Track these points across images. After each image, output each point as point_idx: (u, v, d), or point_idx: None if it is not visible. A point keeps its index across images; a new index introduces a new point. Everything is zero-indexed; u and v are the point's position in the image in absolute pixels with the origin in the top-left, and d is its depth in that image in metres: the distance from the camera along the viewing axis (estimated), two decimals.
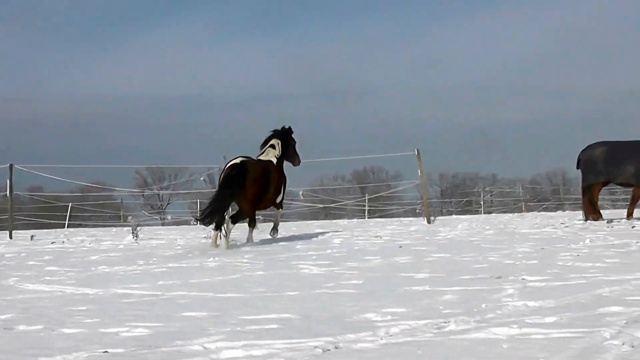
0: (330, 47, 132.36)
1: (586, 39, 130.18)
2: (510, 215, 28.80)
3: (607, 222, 17.58)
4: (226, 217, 13.97)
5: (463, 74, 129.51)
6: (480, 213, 46.62)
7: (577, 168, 20.01)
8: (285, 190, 15.47)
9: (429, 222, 21.27)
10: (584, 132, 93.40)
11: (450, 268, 8.86)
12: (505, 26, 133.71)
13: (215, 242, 13.95)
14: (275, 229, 15.33)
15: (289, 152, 15.37)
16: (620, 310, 5.65)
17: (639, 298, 6.20)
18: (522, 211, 43.99)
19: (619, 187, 31.61)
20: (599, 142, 19.66)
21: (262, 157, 14.93)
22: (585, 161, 19.49)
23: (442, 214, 47.96)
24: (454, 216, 33.15)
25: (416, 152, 23.00)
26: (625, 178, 19.15)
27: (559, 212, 31.78)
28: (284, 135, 15.34)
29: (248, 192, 13.97)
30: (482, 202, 50.51)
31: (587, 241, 11.89)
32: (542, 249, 10.97)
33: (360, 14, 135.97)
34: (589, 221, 18.61)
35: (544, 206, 55.07)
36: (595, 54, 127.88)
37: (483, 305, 6.06)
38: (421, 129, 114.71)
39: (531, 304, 6.12)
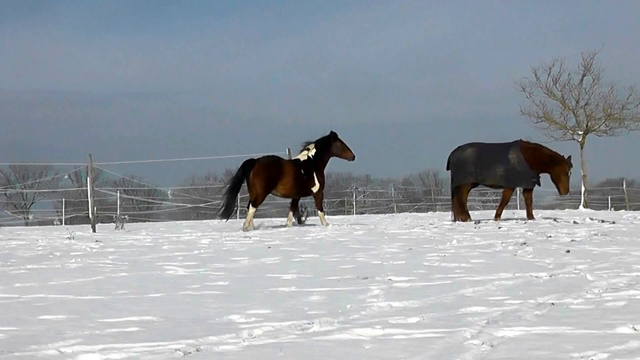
0: (202, 43, 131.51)
1: (460, 42, 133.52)
2: (382, 215, 29.27)
3: (475, 223, 18.07)
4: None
5: (338, 73, 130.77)
6: (353, 213, 47.21)
7: (447, 169, 20.45)
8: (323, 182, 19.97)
9: (299, 222, 21.39)
10: (457, 133, 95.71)
11: (317, 269, 8.95)
12: (381, 25, 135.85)
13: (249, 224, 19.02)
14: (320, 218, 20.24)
15: (334, 152, 19.82)
16: (482, 310, 5.83)
17: (501, 298, 6.41)
18: (394, 212, 44.75)
19: (489, 188, 32.59)
20: (469, 144, 20.06)
21: (297, 156, 19.91)
22: (455, 162, 19.86)
23: (316, 215, 48.40)
24: (326, 217, 33.41)
25: (287, 152, 23.11)
26: (494, 180, 19.61)
27: (430, 213, 32.52)
28: (324, 140, 19.79)
29: (254, 183, 18.86)
30: (354, 203, 51.10)
31: (454, 242, 12.21)
32: (410, 249, 11.20)
33: (229, 11, 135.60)
34: (457, 222, 19.09)
35: (416, 207, 56.23)
36: (468, 58, 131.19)
37: (348, 306, 6.15)
38: (297, 127, 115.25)
39: (395, 304, 6.24)
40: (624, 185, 44.63)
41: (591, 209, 33.70)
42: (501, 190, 20.72)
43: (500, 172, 19.37)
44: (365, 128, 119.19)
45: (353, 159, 20.09)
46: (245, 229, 18.68)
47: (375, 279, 7.85)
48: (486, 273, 8.10)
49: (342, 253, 10.79)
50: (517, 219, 20.17)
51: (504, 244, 11.63)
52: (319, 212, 20.33)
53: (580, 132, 35.88)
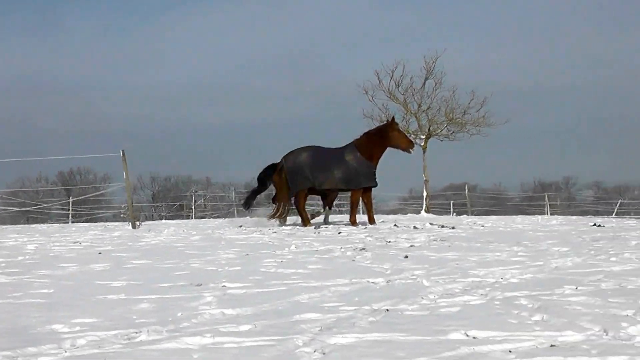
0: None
1: (309, 44, 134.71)
2: (221, 220, 29.17)
3: (315, 228, 18.24)
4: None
5: (179, 73, 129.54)
6: (192, 218, 46.89)
7: (273, 173, 20.41)
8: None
9: (134, 227, 21.07)
10: (305, 135, 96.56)
11: (149, 275, 8.83)
12: (229, 28, 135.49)
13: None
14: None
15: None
16: (316, 317, 5.90)
17: (336, 304, 6.51)
18: (234, 216, 44.72)
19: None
20: (303, 148, 20.05)
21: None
22: (291, 168, 19.79)
23: (152, 219, 47.73)
24: (163, 221, 33.07)
25: (121, 154, 22.67)
26: (332, 183, 19.67)
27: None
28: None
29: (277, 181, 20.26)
30: (193, 207, 50.76)
31: (292, 247, 12.30)
32: (247, 255, 11.21)
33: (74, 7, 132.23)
34: (297, 226, 19.20)
35: (258, 211, 56.22)
36: (314, 60, 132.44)
37: (179, 314, 6.10)
38: (137, 128, 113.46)
39: (228, 312, 6.24)
40: (467, 190, 46.09)
41: (433, 214, 34.62)
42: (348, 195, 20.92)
43: (338, 175, 19.49)
44: (211, 129, 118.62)
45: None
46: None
47: (209, 286, 7.82)
48: (323, 279, 8.20)
49: (176, 259, 10.69)
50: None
51: (342, 250, 11.80)
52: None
53: (422, 137, 36.71)
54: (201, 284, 7.95)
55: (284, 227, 19.03)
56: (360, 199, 20.06)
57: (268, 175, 20.51)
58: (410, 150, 20.33)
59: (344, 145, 20.11)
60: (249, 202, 21.28)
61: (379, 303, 6.51)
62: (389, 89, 37.34)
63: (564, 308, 6.15)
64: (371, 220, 19.71)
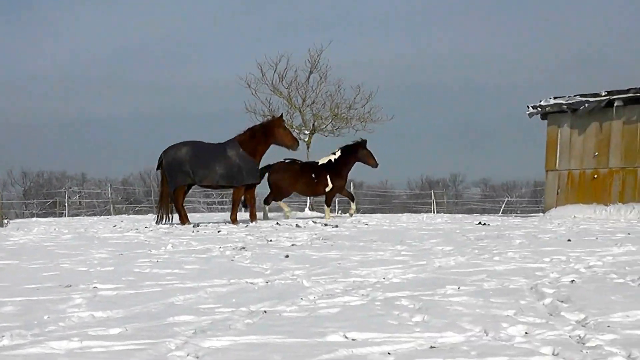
0: None
1: (182, 37, 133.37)
2: (96, 218, 28.72)
3: (193, 226, 18.14)
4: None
5: (48, 64, 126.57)
6: (65, 215, 45.98)
7: (157, 169, 20.26)
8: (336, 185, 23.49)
9: (1, 225, 20.55)
10: (182, 129, 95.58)
11: (16, 276, 8.62)
12: (101, 17, 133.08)
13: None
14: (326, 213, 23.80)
15: (360, 159, 23.66)
16: (191, 319, 5.86)
17: (212, 306, 6.47)
18: (110, 214, 44.04)
19: (214, 190, 32.72)
20: (184, 142, 19.90)
21: (322, 159, 23.72)
22: (170, 163, 19.63)
23: (23, 217, 46.60)
24: (34, 219, 32.34)
25: None
26: (212, 180, 19.60)
27: (150, 215, 32.21)
28: (350, 147, 23.67)
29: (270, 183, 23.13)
30: (67, 204, 49.79)
31: (169, 246, 12.20)
32: (120, 254, 11.06)
33: None
34: (168, 224, 19.02)
35: (137, 209, 55.62)
36: (193, 52, 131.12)
37: (45, 317, 5.97)
38: (5, 120, 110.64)
39: (98, 314, 6.13)
40: (352, 188, 46.48)
41: (318, 212, 34.82)
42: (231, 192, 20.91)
43: (220, 171, 19.45)
44: (87, 123, 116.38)
45: (376, 167, 23.69)
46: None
47: (79, 287, 7.68)
48: (199, 279, 8.15)
49: (45, 259, 10.46)
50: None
51: (221, 249, 11.77)
52: (325, 207, 23.83)
53: (307, 132, 36.78)
54: (71, 285, 7.80)
55: (161, 226, 18.84)
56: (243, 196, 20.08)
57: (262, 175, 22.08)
58: (295, 148, 20.44)
59: (226, 140, 20.04)
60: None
61: (257, 304, 6.51)
62: (272, 82, 37.31)
63: (445, 308, 6.27)
64: (253, 218, 19.72)
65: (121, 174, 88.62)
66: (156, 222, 19.70)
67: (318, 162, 23.74)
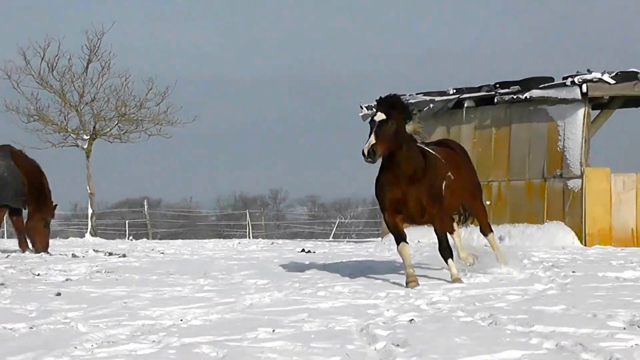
0: None
1: None
2: None
3: None
4: None
5: None
6: None
7: None
8: None
9: None
10: None
11: None
12: None
13: None
14: None
15: None
16: None
17: None
18: None
19: None
20: None
21: None
22: None
23: None
24: None
25: None
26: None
27: None
28: None
29: None
30: None
31: None
32: None
33: None
34: None
35: None
36: None
37: None
38: None
39: None
40: (146, 207, 45.96)
41: (101, 237, 34.41)
42: None
43: (10, 193, 18.92)
44: None
45: None
46: None
47: None
48: None
49: None
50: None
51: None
52: None
53: (86, 137, 35.98)
54: None
55: None
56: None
57: None
58: None
59: None
60: None
61: (17, 356, 6.41)
62: (39, 73, 36.42)
63: (256, 357, 6.33)
64: (23, 246, 19.24)
65: None
66: None
67: None
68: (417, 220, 11.65)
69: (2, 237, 26.43)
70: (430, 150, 11.61)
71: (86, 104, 36.62)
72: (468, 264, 12.40)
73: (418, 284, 10.90)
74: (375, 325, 7.86)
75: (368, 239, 30.16)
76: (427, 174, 11.21)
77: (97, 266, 14.68)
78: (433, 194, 11.25)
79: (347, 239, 36.66)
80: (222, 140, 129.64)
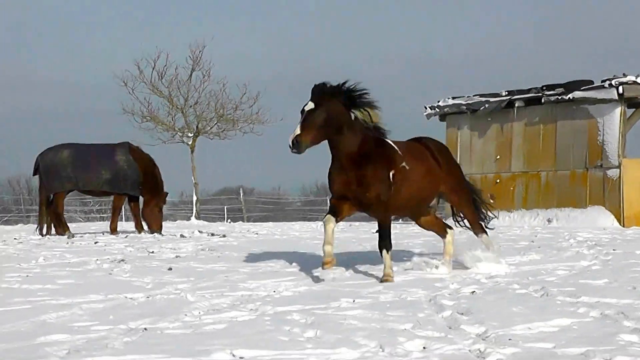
0: None
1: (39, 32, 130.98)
2: None
3: (68, 237, 17.85)
4: None
5: None
6: None
7: (35, 174, 19.90)
8: None
9: None
10: (45, 132, 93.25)
11: None
12: None
13: None
14: None
15: None
16: (64, 338, 5.79)
17: (87, 324, 6.40)
18: None
19: (91, 197, 32.25)
20: (64, 144, 19.59)
21: None
22: (48, 166, 19.30)
23: None
24: None
25: None
26: (97, 185, 19.37)
27: (20, 226, 31.58)
28: None
29: None
30: None
31: (41, 259, 11.99)
32: None
33: None
34: (47, 236, 18.70)
35: (5, 219, 54.48)
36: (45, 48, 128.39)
37: None
38: None
39: None
40: (242, 195, 46.34)
41: (204, 220, 34.63)
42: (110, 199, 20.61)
43: (105, 176, 19.22)
44: None
45: None
46: None
47: None
48: (74, 295, 8.05)
49: None
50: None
51: (98, 262, 11.62)
52: None
53: (190, 135, 36.39)
54: None
55: (31, 237, 18.49)
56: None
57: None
58: None
59: (115, 143, 19.91)
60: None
61: (137, 321, 6.46)
62: (151, 80, 36.82)
63: (339, 323, 6.32)
64: (139, 228, 19.54)
65: None
66: (40, 233, 19.25)
67: None
68: (365, 207, 9.79)
69: (122, 221, 26.79)
70: (388, 141, 9.78)
71: (190, 106, 36.98)
72: (435, 267, 10.19)
73: (333, 265, 9.18)
74: (442, 296, 7.81)
75: None
76: (373, 161, 9.46)
77: (201, 245, 14.77)
78: (375, 180, 9.40)
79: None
80: None
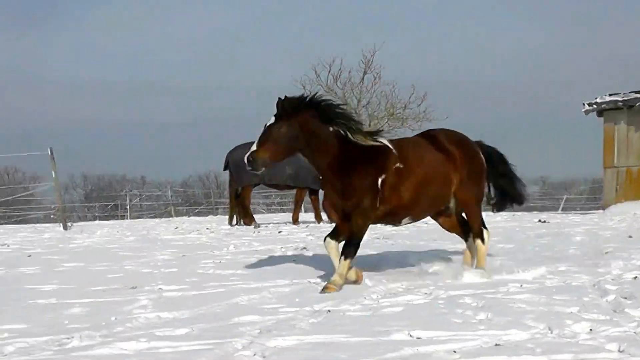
0: None
1: (231, 41, 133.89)
2: (158, 220, 28.99)
3: (255, 227, 18.22)
4: None
5: (97, 69, 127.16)
6: (127, 218, 46.51)
7: (225, 169, 20.44)
8: None
9: (65, 228, 20.82)
10: (233, 132, 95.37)
11: (81, 278, 8.74)
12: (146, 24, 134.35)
13: None
14: None
15: None
16: (255, 319, 5.90)
17: (275, 306, 6.51)
18: (171, 216, 44.48)
19: (273, 190, 32.78)
20: (251, 142, 20.00)
21: None
22: (238, 162, 19.76)
23: (85, 220, 47.26)
24: (97, 222, 32.73)
25: (49, 152, 22.27)
26: (281, 179, 19.74)
27: (210, 217, 32.44)
28: None
29: None
30: (128, 207, 50.37)
31: (231, 247, 12.27)
32: (184, 256, 11.16)
33: None
34: (236, 226, 19.14)
35: (197, 211, 56.08)
36: (235, 55, 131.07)
37: (113, 319, 6.05)
38: (66, 126, 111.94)
39: (164, 315, 6.20)
40: None
41: None
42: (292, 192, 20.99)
43: (289, 171, 19.54)
44: (142, 127, 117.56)
45: None
46: None
47: (144, 289, 7.77)
48: (262, 280, 8.19)
49: (109, 261, 10.59)
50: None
51: (283, 249, 11.80)
52: None
53: None
54: (136, 287, 7.88)
55: (222, 227, 18.96)
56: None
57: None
58: None
59: None
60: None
61: (320, 304, 6.53)
62: (327, 83, 37.34)
63: (509, 306, 6.23)
64: (318, 219, 19.85)
65: (179, 176, 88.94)
66: (230, 224, 19.76)
67: None
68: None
69: (302, 212, 27.21)
70: (383, 141, 8.10)
71: (363, 106, 37.38)
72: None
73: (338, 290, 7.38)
74: (605, 281, 7.59)
75: (590, 211, 29.20)
76: (358, 169, 7.89)
77: (376, 234, 14.80)
78: (357, 189, 7.84)
79: (573, 212, 35.65)
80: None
